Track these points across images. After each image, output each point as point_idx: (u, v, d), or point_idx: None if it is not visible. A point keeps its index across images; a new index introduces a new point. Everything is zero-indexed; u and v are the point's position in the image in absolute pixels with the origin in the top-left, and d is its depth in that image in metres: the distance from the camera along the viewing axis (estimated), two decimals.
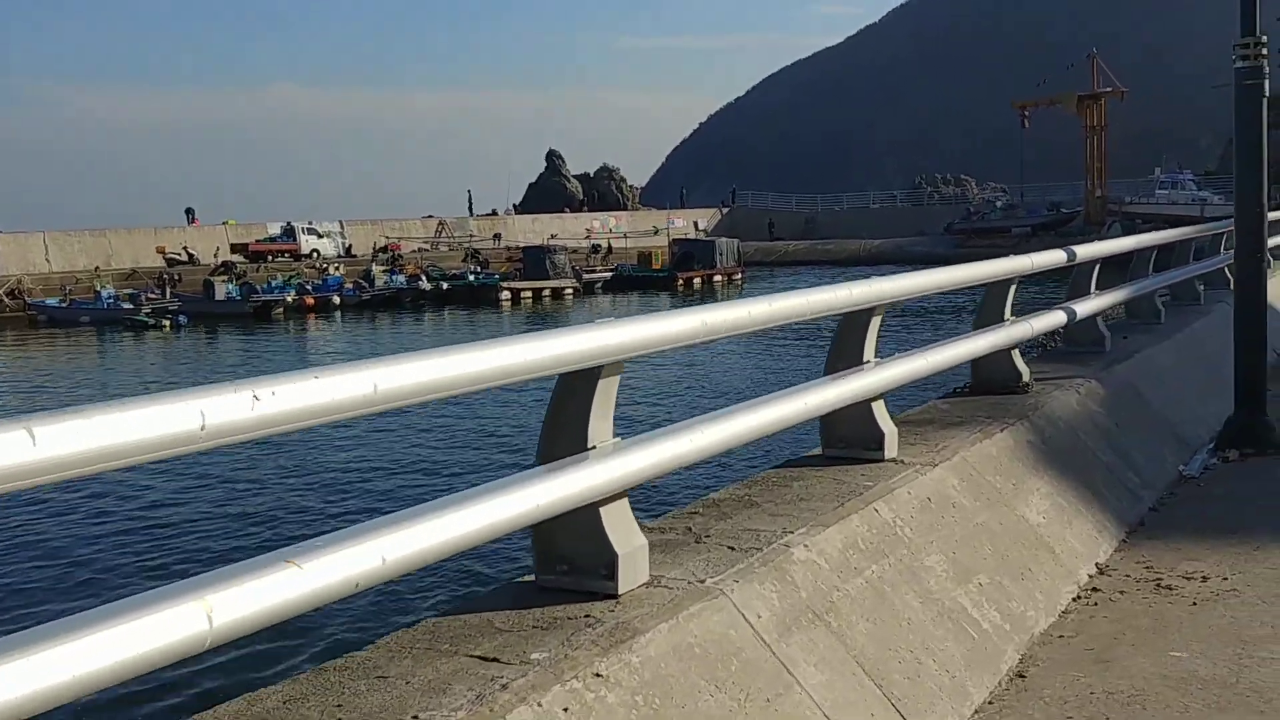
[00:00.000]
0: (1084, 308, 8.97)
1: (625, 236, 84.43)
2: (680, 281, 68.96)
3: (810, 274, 74.70)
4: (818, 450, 5.91)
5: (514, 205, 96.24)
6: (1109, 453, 7.40)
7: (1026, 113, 77.12)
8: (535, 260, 65.80)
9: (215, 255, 69.14)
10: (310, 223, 78.75)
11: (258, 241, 73.99)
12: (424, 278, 65.31)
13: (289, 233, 75.48)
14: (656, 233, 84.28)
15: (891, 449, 5.80)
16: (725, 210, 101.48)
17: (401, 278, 65.77)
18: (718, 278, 71.48)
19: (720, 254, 73.00)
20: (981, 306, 7.69)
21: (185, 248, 71.82)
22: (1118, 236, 15.63)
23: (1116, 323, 11.20)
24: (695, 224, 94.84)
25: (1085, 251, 8.91)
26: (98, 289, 60.53)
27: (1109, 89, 75.25)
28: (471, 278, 66.75)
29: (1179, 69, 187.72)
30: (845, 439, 5.81)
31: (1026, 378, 7.79)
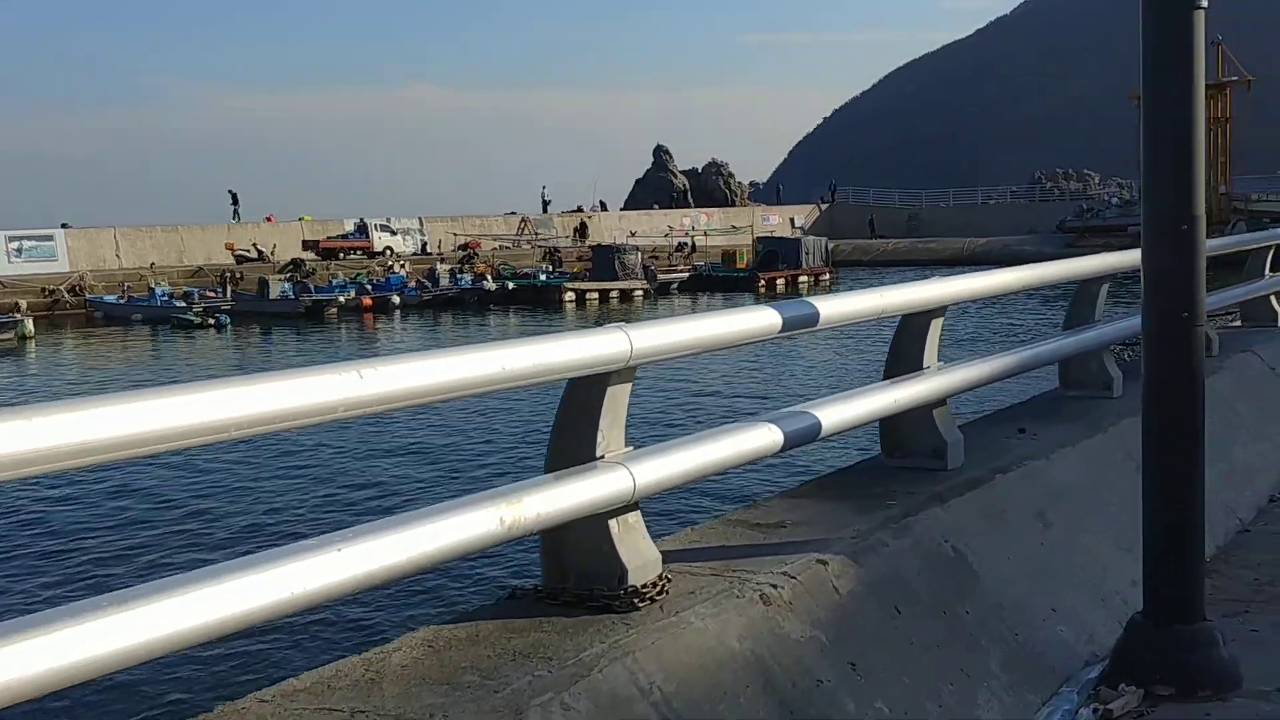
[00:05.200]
0: (845, 413, 4.84)
1: (706, 235, 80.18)
2: (762, 282, 64.79)
3: (910, 274, 69.84)
4: None
5: (601, 202, 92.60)
6: None
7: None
8: (603, 260, 62.27)
9: (273, 253, 67.14)
10: (388, 219, 76.54)
11: (329, 238, 71.85)
12: (488, 278, 62.37)
13: (362, 229, 73.24)
14: (737, 231, 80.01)
15: None
16: (824, 207, 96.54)
17: (467, 277, 62.94)
18: (803, 278, 67.05)
19: (806, 253, 68.61)
20: (555, 431, 3.77)
21: (255, 244, 69.91)
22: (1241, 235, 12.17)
23: (1041, 399, 7.07)
24: (792, 221, 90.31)
25: (837, 309, 4.83)
26: (151, 286, 59.10)
27: (1234, 78, 68.44)
28: (543, 277, 63.72)
29: None
30: None
31: (640, 577, 3.79)
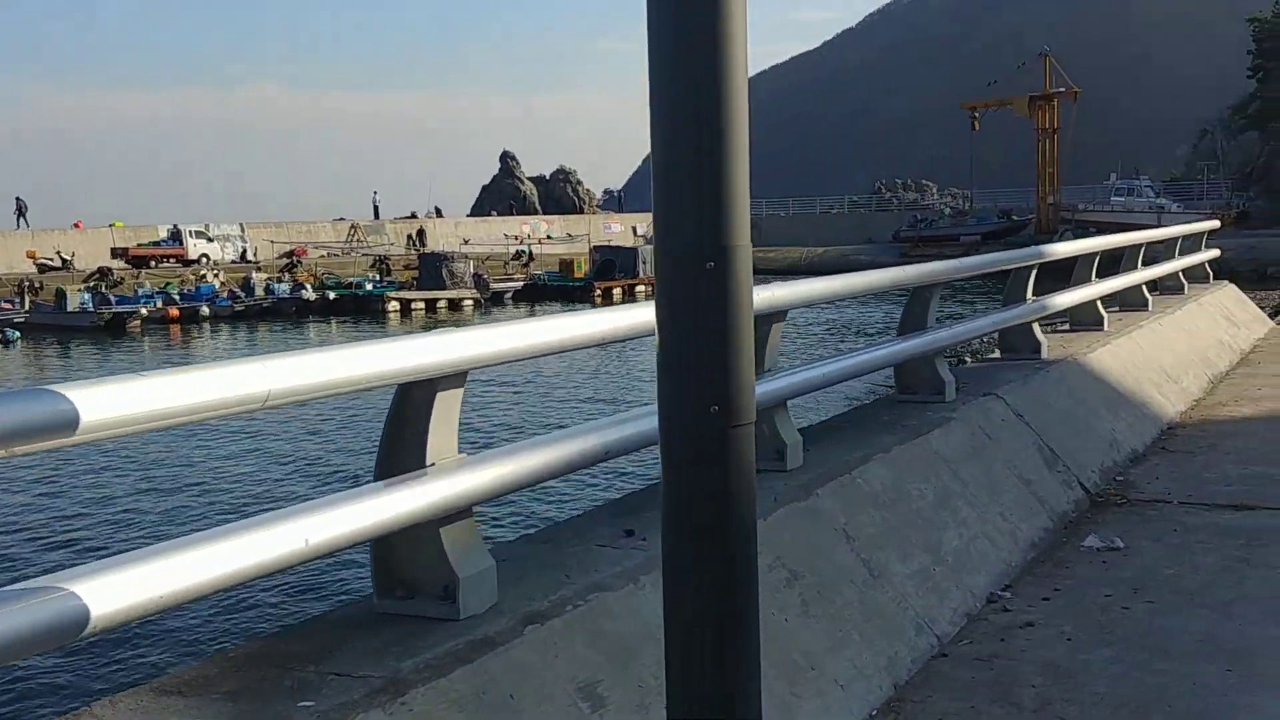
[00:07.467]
0: (176, 582, 2.89)
1: (542, 243, 78.35)
2: (598, 291, 63.34)
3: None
4: None
5: (436, 208, 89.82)
6: None
7: (976, 114, 71.33)
8: (431, 269, 60.01)
9: (73, 260, 63.18)
10: (205, 225, 72.84)
11: (139, 245, 68.02)
12: (308, 287, 59.56)
13: (175, 236, 69.48)
14: (573, 239, 78.48)
15: None
16: None
17: (284, 286, 59.96)
18: (640, 288, 65.69)
19: (644, 262, 67.20)
20: None
21: (59, 252, 65.63)
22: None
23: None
24: (634, 229, 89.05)
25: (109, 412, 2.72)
26: None
27: (1062, 89, 69.29)
28: (370, 286, 61.17)
29: (1157, 77, 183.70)
30: None
31: None
